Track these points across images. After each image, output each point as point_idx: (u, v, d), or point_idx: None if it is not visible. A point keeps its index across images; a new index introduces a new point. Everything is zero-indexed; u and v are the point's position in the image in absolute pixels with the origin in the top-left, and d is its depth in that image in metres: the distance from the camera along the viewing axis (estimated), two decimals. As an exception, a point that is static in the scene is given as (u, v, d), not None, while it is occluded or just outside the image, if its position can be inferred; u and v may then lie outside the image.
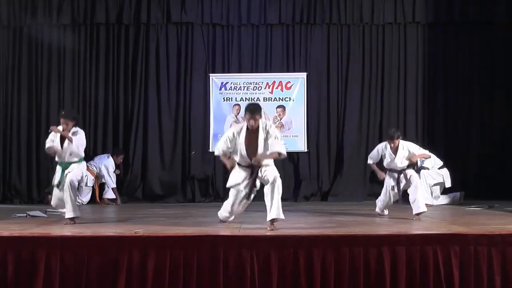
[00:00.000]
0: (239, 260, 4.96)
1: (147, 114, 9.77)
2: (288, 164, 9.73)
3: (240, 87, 9.83)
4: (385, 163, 7.00)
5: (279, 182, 5.70)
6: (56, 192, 6.47)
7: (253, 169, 5.81)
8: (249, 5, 9.72)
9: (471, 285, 5.04)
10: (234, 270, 4.96)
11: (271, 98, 9.83)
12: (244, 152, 5.80)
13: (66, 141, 6.32)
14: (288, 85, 9.85)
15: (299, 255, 4.99)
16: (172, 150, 9.75)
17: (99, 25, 9.76)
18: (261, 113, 5.84)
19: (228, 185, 5.98)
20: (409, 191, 6.76)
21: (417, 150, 7.06)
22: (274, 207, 5.66)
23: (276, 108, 9.86)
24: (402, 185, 6.85)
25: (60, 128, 6.34)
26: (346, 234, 5.36)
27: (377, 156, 7.05)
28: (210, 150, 9.59)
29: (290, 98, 9.86)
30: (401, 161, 6.87)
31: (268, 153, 5.75)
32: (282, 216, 5.67)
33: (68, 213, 6.21)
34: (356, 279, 5.00)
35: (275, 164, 5.86)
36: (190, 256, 4.97)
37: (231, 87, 9.85)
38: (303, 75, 9.83)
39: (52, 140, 6.41)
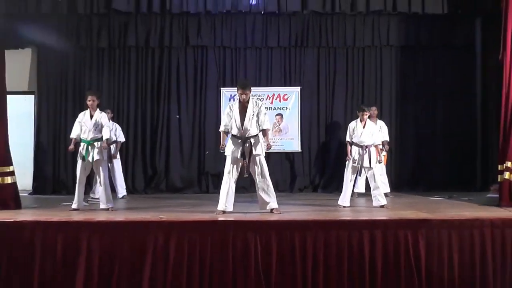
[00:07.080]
0: (245, 241, 5.00)
1: (169, 123, 9.76)
2: (285, 162, 9.75)
3: (246, 98, 9.81)
4: (354, 139, 6.81)
5: (268, 176, 5.89)
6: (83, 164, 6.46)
7: (244, 140, 5.91)
8: (253, 31, 9.71)
9: (434, 262, 5.08)
10: (241, 250, 5.00)
11: (271, 108, 9.82)
12: (238, 121, 5.89)
13: (95, 118, 6.49)
14: (285, 97, 9.85)
15: (295, 237, 5.04)
16: (190, 151, 9.75)
17: (130, 48, 9.77)
18: (250, 89, 5.96)
19: (226, 153, 6.09)
20: (370, 184, 6.74)
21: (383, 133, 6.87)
22: (273, 198, 5.76)
23: (275, 116, 9.84)
24: (363, 161, 6.66)
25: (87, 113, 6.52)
26: (334, 219, 5.41)
27: (350, 134, 6.84)
28: (221, 151, 9.60)
29: (286, 107, 9.87)
30: (367, 137, 6.70)
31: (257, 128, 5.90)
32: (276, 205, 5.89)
33: (107, 204, 6.42)
34: (341, 257, 5.04)
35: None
36: (205, 237, 5.03)
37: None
38: (298, 88, 9.83)
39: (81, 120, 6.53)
